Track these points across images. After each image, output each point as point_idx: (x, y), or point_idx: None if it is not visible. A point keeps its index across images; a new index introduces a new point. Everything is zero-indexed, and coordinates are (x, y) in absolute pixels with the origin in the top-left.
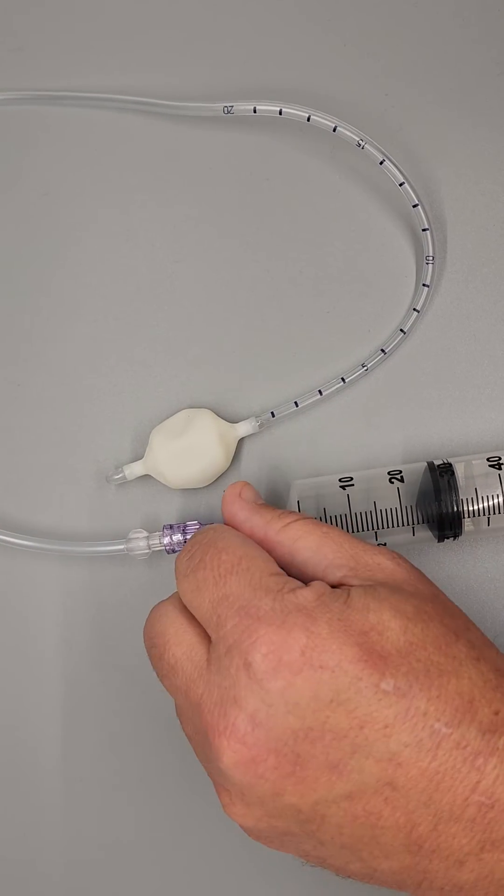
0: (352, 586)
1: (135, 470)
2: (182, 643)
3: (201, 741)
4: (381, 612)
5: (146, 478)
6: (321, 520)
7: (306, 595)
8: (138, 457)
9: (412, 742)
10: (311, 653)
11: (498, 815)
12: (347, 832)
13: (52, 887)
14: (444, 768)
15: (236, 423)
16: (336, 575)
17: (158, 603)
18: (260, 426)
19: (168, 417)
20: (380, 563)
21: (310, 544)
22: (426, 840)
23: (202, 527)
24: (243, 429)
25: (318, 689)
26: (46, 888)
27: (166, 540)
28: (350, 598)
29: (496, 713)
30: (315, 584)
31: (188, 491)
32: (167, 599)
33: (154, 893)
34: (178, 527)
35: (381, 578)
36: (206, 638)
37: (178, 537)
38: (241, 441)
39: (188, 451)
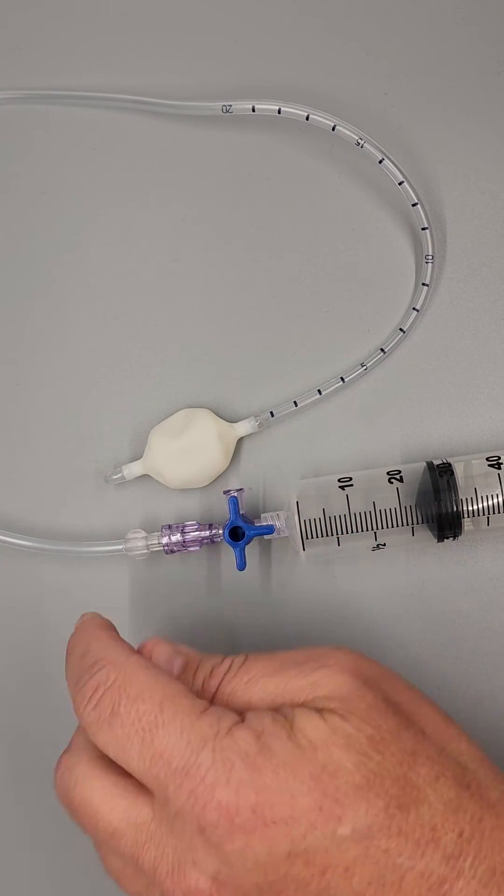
0: (295, 709)
1: (134, 470)
2: (116, 808)
3: None
4: (330, 750)
5: (145, 478)
6: (321, 521)
7: (245, 738)
8: (137, 457)
9: (375, 880)
10: (261, 809)
11: None
12: None
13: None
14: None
15: (235, 422)
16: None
17: (64, 756)
18: (259, 426)
19: (167, 417)
20: (316, 683)
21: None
22: None
23: (97, 654)
24: (242, 428)
25: (274, 844)
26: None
27: (165, 540)
28: (294, 731)
29: (460, 835)
30: (250, 717)
31: (187, 491)
32: (74, 751)
33: None
34: (177, 527)
35: (325, 697)
36: (142, 790)
37: (176, 537)
38: (240, 441)
39: (187, 450)
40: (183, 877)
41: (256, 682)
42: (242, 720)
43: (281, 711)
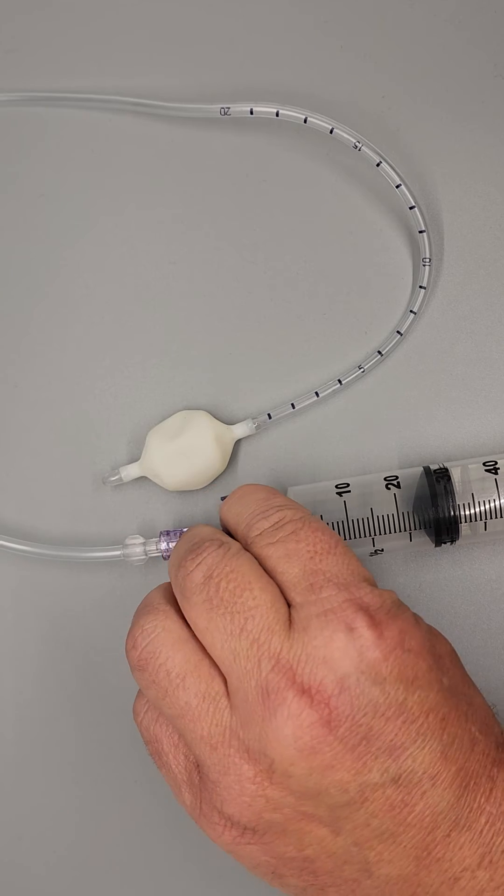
0: None
1: (131, 471)
2: (267, 589)
3: (258, 697)
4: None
5: (142, 479)
6: None
7: (392, 594)
8: (134, 458)
9: (458, 739)
10: (404, 636)
11: (501, 826)
12: (375, 823)
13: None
14: (474, 770)
15: (233, 424)
16: None
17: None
18: (257, 428)
19: (165, 419)
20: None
21: None
22: (437, 846)
23: (286, 500)
24: (240, 430)
25: (404, 670)
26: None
27: (163, 546)
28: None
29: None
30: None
31: (185, 493)
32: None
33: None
34: (175, 533)
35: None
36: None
37: (174, 544)
38: (237, 443)
39: (185, 452)
40: (309, 673)
41: None
42: None
43: None
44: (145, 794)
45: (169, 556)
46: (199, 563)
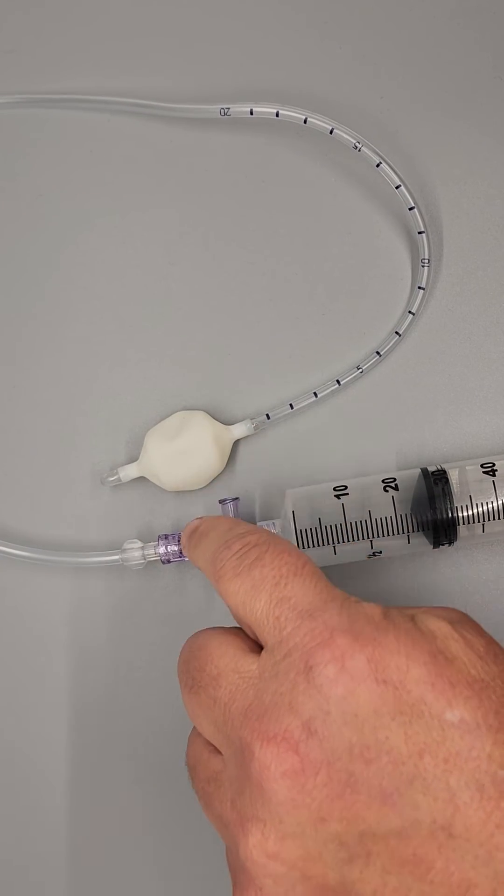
0: (414, 612)
1: (129, 472)
2: (226, 654)
3: (238, 759)
4: (448, 642)
5: (141, 480)
6: (317, 530)
7: (373, 608)
8: (133, 459)
9: (473, 785)
10: (376, 664)
11: None
12: (393, 882)
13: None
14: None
15: (231, 424)
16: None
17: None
18: (255, 428)
19: (163, 419)
20: (427, 610)
21: None
22: None
23: (248, 527)
24: (238, 431)
25: (380, 704)
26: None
27: (161, 550)
28: (416, 620)
29: None
30: (375, 603)
31: (183, 493)
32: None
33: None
34: (174, 536)
35: (438, 614)
36: (256, 649)
37: (173, 547)
38: (236, 443)
39: (183, 453)
40: (276, 720)
41: None
42: None
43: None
44: (145, 794)
45: (167, 561)
46: (181, 652)
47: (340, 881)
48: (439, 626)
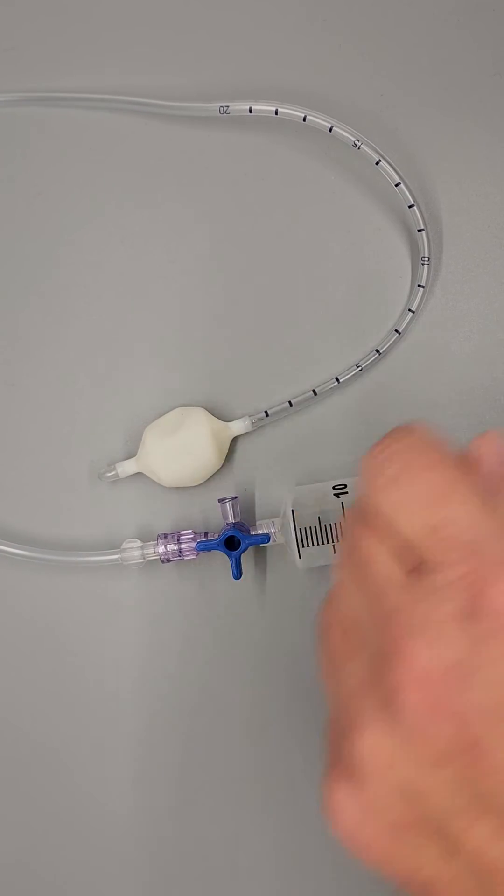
0: None
1: (127, 468)
2: (380, 557)
3: (379, 651)
4: None
5: (139, 476)
6: (316, 528)
7: None
8: (131, 455)
9: None
10: None
11: None
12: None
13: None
14: None
15: (230, 421)
16: None
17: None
18: (254, 425)
19: (162, 415)
20: None
21: None
22: None
23: (399, 427)
24: (237, 427)
25: None
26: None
27: (160, 549)
28: None
29: None
30: None
31: (181, 489)
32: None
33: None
34: (173, 536)
35: None
36: (403, 564)
37: (172, 546)
38: (234, 440)
39: (181, 449)
40: (419, 640)
41: None
42: None
43: None
44: (144, 795)
45: (166, 560)
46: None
47: (442, 825)
48: None
